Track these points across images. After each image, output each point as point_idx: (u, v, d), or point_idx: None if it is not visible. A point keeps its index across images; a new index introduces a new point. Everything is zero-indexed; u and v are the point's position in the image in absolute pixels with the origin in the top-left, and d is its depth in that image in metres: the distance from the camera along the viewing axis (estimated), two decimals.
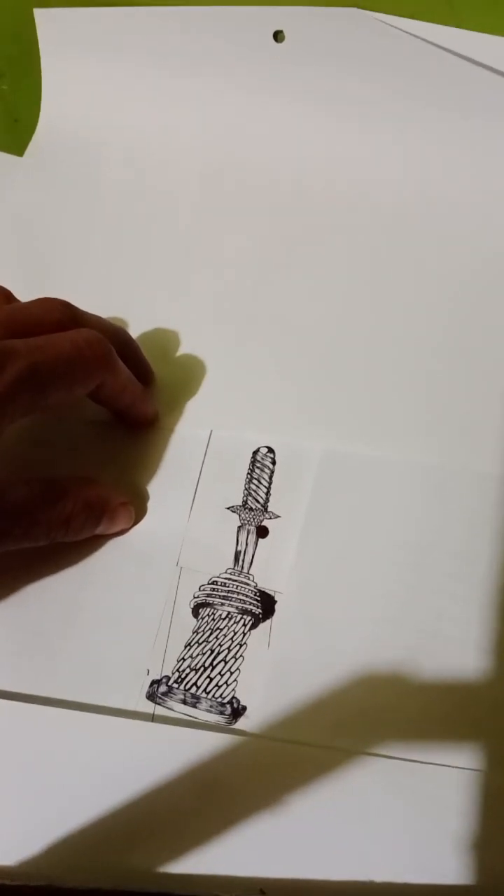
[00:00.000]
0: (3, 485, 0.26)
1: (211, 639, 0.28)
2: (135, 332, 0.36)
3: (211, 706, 0.27)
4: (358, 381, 0.34)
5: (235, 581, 0.29)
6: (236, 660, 0.28)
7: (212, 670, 0.28)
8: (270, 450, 0.32)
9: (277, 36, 0.40)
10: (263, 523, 0.30)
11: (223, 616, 0.29)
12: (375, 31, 0.38)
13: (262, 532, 0.30)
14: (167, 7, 0.41)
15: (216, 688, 0.27)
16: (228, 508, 0.31)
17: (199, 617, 0.29)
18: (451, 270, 0.37)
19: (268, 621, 0.28)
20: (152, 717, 0.27)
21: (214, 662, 0.28)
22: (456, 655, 0.27)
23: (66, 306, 0.29)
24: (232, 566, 0.30)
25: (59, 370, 0.27)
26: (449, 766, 0.25)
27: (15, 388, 0.25)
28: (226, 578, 0.29)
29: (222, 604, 0.29)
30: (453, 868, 0.24)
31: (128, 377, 0.30)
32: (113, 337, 0.29)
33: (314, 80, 0.40)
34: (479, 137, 0.39)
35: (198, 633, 0.28)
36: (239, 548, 0.30)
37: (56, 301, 0.29)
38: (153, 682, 0.27)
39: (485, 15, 0.37)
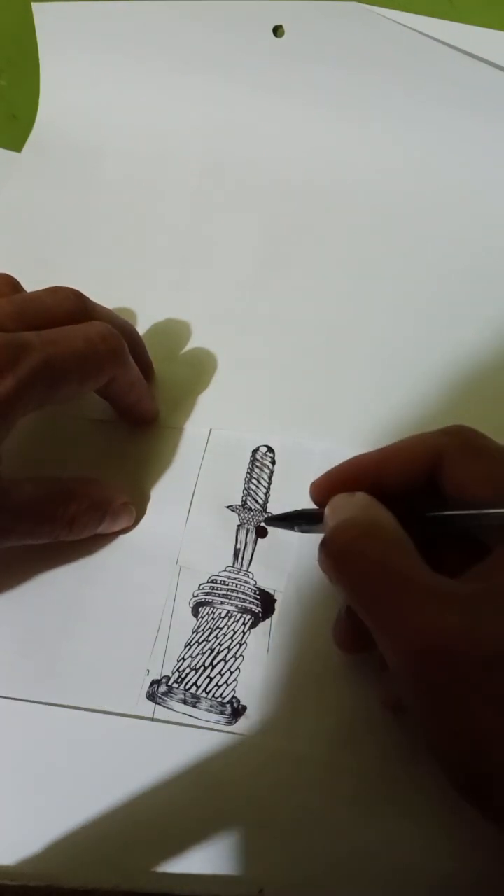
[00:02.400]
0: (9, 483, 0.26)
1: (211, 638, 0.28)
2: None
3: (211, 706, 0.27)
4: (359, 381, 0.34)
5: (235, 579, 0.29)
6: (236, 659, 0.28)
7: (212, 670, 0.28)
8: (270, 449, 0.32)
9: (277, 31, 0.40)
10: (262, 524, 0.30)
11: (223, 615, 0.29)
12: (375, 26, 0.38)
13: (262, 532, 0.30)
14: (166, 2, 0.41)
15: (216, 687, 0.27)
16: (227, 507, 0.31)
17: (199, 616, 0.29)
18: (453, 268, 0.37)
19: (268, 621, 0.28)
20: (152, 717, 0.27)
21: (214, 662, 0.28)
22: None
23: (77, 297, 0.29)
24: (231, 564, 0.30)
25: (73, 365, 0.26)
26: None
27: (29, 381, 0.25)
28: (225, 577, 0.29)
29: (222, 602, 0.29)
30: (451, 868, 0.24)
31: (137, 374, 0.30)
32: (120, 331, 0.29)
33: (314, 75, 0.40)
34: (478, 130, 0.39)
35: (198, 633, 0.28)
36: (238, 545, 0.30)
37: (68, 290, 0.29)
38: (153, 682, 0.27)
39: (484, 9, 0.37)
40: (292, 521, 0.27)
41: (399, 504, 0.24)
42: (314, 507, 0.26)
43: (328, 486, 0.26)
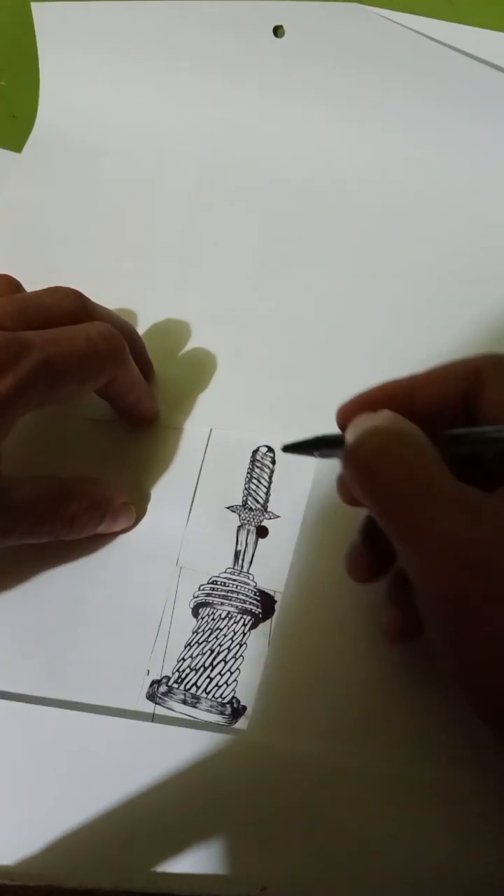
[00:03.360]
0: (9, 482, 0.26)
1: (211, 638, 0.28)
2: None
3: (211, 706, 0.27)
4: (358, 381, 0.34)
5: (235, 580, 0.29)
6: (236, 660, 0.28)
7: (212, 670, 0.28)
8: (270, 449, 0.32)
9: (277, 31, 0.40)
10: (263, 523, 0.30)
11: (223, 616, 0.29)
12: (375, 27, 0.38)
13: (262, 532, 0.30)
14: (166, 1, 0.41)
15: (216, 688, 0.27)
16: (228, 508, 0.31)
17: (199, 617, 0.29)
18: (453, 268, 0.37)
19: (268, 621, 0.28)
20: (152, 717, 0.27)
21: (214, 662, 0.28)
22: None
23: (78, 297, 0.29)
24: (231, 565, 0.30)
25: (73, 364, 0.26)
26: (448, 766, 0.25)
27: (29, 381, 0.25)
28: (225, 578, 0.29)
29: (222, 603, 0.29)
30: (452, 867, 0.24)
31: (137, 374, 0.30)
32: (120, 331, 0.29)
33: (314, 75, 0.40)
34: (478, 130, 0.39)
35: (198, 633, 0.28)
36: (239, 547, 0.30)
37: (67, 290, 0.28)
38: (153, 682, 0.27)
39: (484, 10, 0.37)
40: (312, 447, 0.26)
41: (427, 428, 0.23)
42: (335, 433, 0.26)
43: (356, 411, 0.25)
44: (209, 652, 0.28)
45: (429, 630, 0.22)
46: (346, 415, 0.25)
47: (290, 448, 0.26)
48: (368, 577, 0.26)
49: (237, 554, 0.30)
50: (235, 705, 0.27)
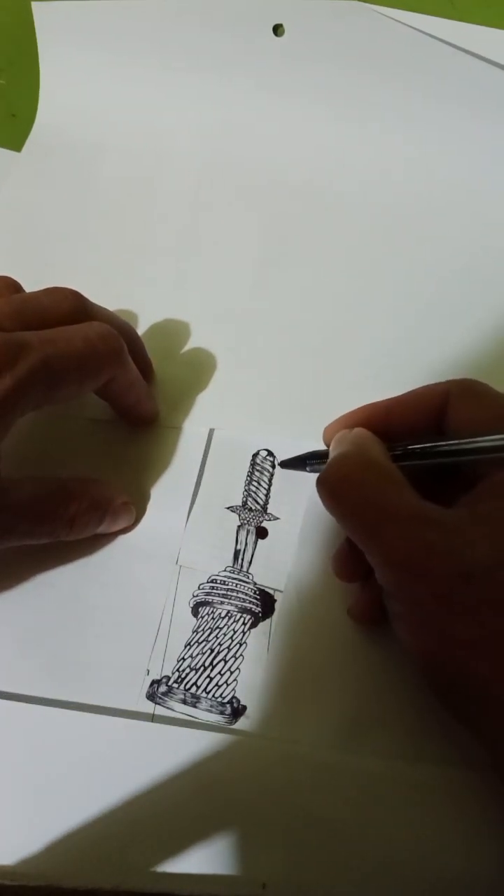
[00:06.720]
0: (9, 483, 0.26)
1: (211, 638, 0.28)
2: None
3: (211, 706, 0.27)
4: (358, 381, 0.34)
5: (235, 579, 0.29)
6: (236, 659, 0.28)
7: (212, 670, 0.28)
8: (270, 453, 0.32)
9: (277, 29, 0.39)
10: (263, 524, 0.30)
11: (223, 615, 0.29)
12: (376, 25, 0.38)
13: (262, 533, 0.30)
14: (165, 0, 0.40)
15: (216, 687, 0.27)
16: (228, 508, 0.31)
17: (199, 616, 0.29)
18: (453, 268, 0.37)
19: (267, 621, 0.28)
20: (152, 717, 0.27)
21: (214, 662, 0.28)
22: None
23: (76, 297, 0.28)
24: (231, 565, 0.30)
25: (72, 365, 0.26)
26: (448, 765, 0.25)
27: (27, 381, 0.25)
28: (225, 577, 0.29)
29: (221, 602, 0.29)
30: (452, 867, 0.24)
31: (136, 374, 0.30)
32: (119, 331, 0.29)
33: (314, 75, 0.40)
34: (478, 130, 0.38)
35: (198, 633, 0.28)
36: (238, 546, 0.30)
37: (66, 291, 0.28)
38: (153, 682, 0.27)
39: (485, 8, 0.37)
40: (304, 461, 0.30)
41: (397, 444, 0.26)
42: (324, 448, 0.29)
43: (339, 430, 0.28)
44: (209, 651, 0.28)
45: (396, 626, 0.25)
46: (329, 434, 0.29)
47: (286, 464, 0.31)
48: (352, 576, 0.28)
49: (237, 553, 0.30)
50: (235, 705, 0.27)
